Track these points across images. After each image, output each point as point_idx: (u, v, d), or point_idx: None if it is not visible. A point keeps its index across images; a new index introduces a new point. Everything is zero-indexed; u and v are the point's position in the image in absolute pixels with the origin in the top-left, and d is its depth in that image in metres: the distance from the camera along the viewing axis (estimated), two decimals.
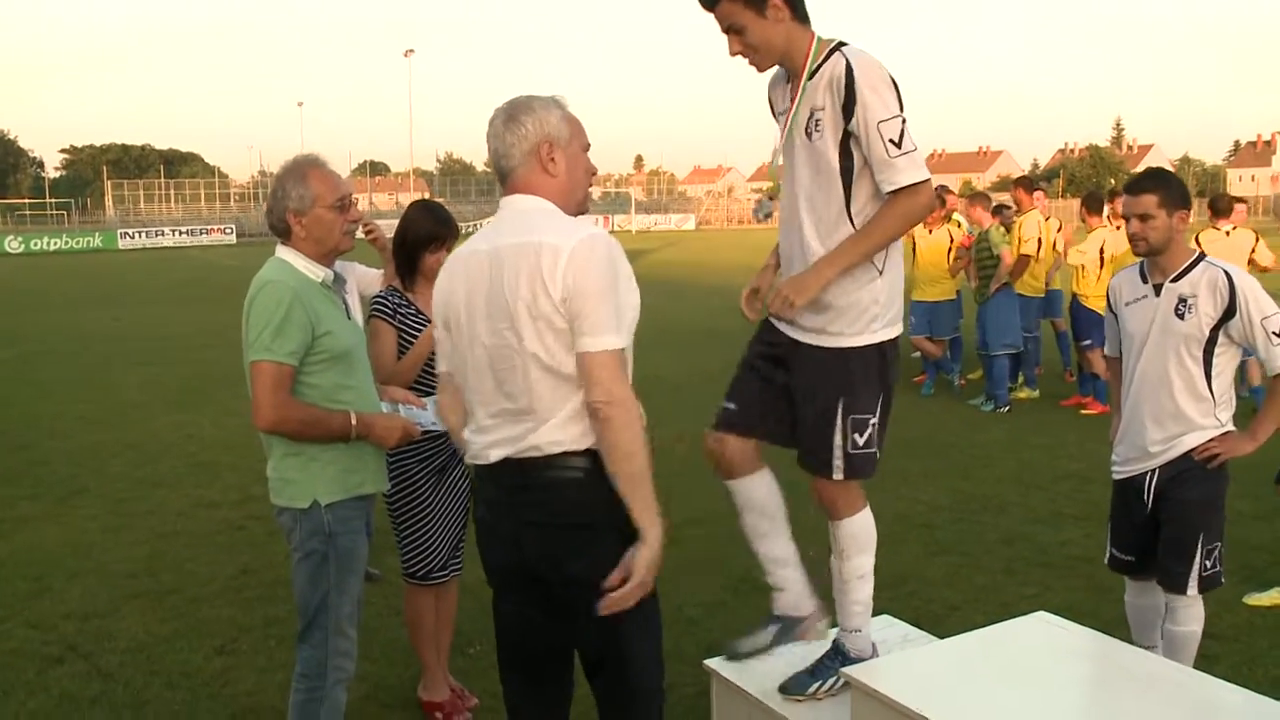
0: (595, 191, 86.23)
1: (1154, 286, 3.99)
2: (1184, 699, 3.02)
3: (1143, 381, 4.02)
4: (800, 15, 3.05)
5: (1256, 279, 3.99)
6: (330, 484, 3.23)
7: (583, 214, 2.75)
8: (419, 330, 4.00)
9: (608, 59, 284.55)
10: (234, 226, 50.71)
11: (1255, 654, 4.66)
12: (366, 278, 4.32)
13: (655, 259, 33.86)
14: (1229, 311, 3.83)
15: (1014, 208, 10.74)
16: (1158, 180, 4.02)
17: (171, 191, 77.46)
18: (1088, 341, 9.71)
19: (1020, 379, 10.81)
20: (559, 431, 2.58)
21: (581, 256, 2.52)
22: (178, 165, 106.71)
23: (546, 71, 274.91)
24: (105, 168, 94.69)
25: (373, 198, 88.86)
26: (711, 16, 3.03)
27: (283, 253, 3.28)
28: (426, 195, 50.96)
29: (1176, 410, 3.92)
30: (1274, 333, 3.82)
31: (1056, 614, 4.50)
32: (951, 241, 10.61)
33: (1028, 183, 10.88)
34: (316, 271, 3.26)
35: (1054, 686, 3.10)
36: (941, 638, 3.96)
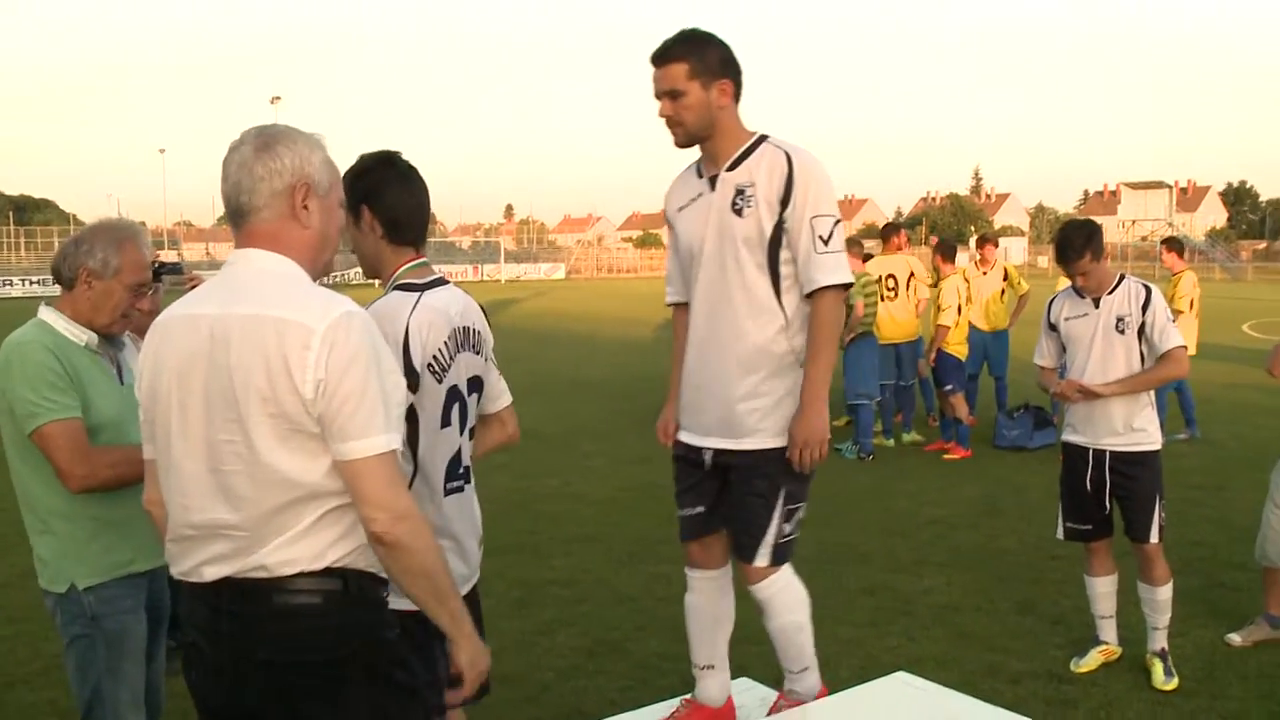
0: (465, 241, 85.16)
1: None
2: None
3: None
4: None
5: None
6: (89, 565, 2.98)
7: (325, 275, 2.37)
8: None
9: (478, 106, 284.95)
10: None
11: (1113, 698, 4.68)
12: None
13: (525, 308, 33.73)
14: None
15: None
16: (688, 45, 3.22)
17: (22, 240, 74.21)
18: (949, 386, 9.99)
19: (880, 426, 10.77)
20: (291, 549, 2.10)
21: (338, 343, 2.06)
22: (29, 212, 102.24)
23: (416, 118, 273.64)
24: None
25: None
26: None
27: (45, 314, 3.04)
28: None
29: None
30: None
31: (920, 666, 4.48)
32: None
33: (890, 228, 11.22)
34: (79, 335, 3.02)
35: None
36: None
